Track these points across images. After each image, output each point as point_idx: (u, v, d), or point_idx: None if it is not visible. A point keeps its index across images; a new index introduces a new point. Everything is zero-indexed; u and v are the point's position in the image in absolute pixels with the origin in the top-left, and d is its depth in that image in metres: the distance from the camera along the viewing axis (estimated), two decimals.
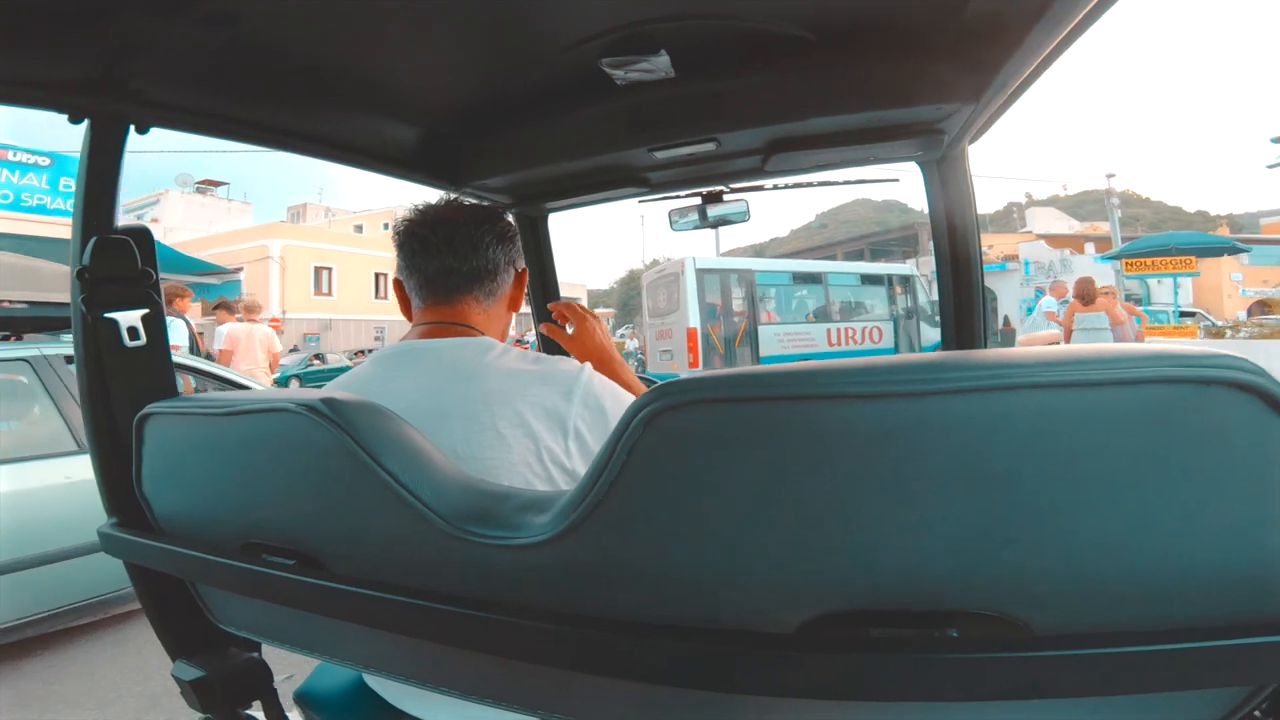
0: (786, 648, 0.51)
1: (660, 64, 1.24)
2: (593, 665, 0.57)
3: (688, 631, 0.54)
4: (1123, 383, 0.42)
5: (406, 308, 1.04)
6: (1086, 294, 8.12)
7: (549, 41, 1.18)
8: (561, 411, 0.87)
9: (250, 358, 6.51)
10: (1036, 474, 0.44)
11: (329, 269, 31.89)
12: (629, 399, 0.92)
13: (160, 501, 0.91)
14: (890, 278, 14.39)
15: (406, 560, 0.68)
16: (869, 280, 14.47)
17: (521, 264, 1.09)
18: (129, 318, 1.00)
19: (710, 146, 1.46)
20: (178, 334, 5.93)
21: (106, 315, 0.98)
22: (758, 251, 44.12)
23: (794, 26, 1.17)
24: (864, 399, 0.45)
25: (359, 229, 37.42)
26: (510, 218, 1.08)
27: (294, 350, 28.25)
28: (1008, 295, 29.16)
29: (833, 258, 41.48)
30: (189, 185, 36.91)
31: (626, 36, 1.16)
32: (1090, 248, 28.35)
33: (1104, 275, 25.46)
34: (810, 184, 1.79)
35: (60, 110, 0.97)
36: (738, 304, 12.34)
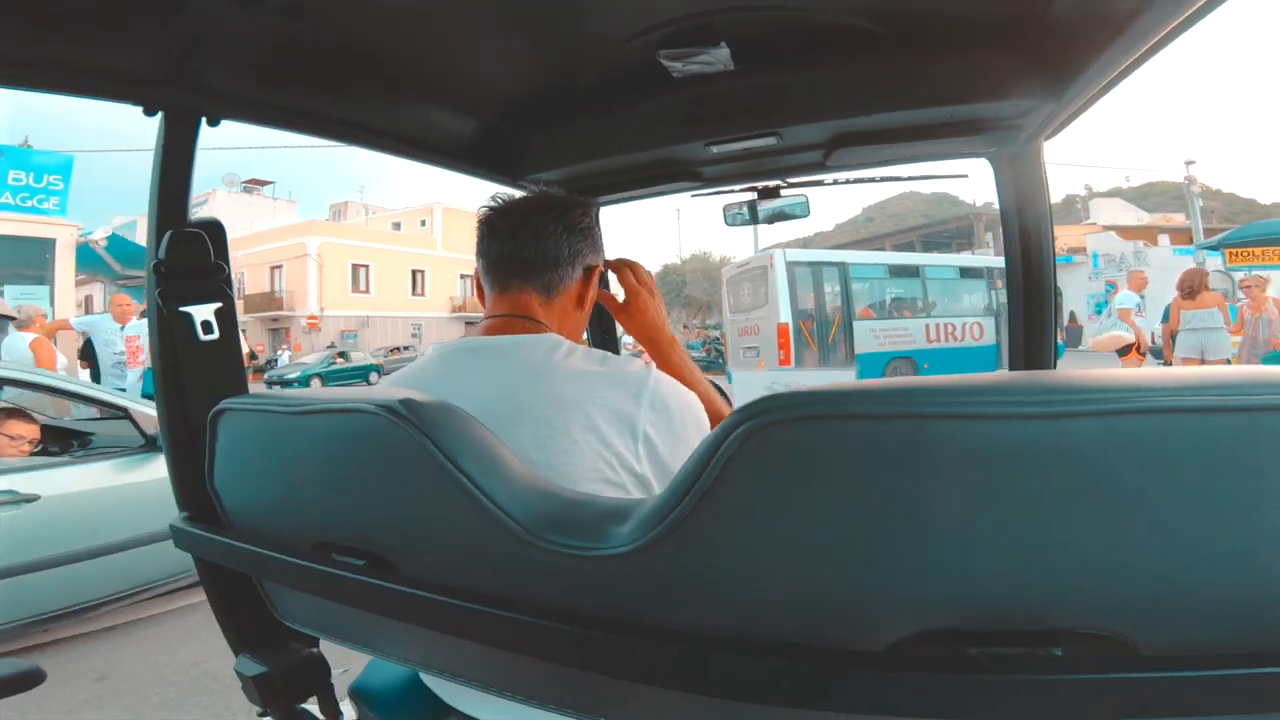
0: (883, 666, 0.50)
1: (720, 56, 1.21)
2: (676, 680, 0.55)
3: (777, 647, 0.52)
4: (1270, 408, 0.41)
5: (483, 297, 1.02)
6: (1191, 287, 6.78)
7: (608, 34, 1.18)
8: (630, 414, 0.84)
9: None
10: (1169, 497, 0.43)
11: (366, 266, 31.80)
12: (695, 400, 0.93)
13: (231, 497, 0.90)
14: (990, 270, 13.38)
15: (480, 565, 0.67)
16: (968, 273, 13.64)
17: (595, 260, 1.03)
18: (202, 311, 1.01)
19: (770, 141, 1.41)
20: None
21: (181, 309, 1.00)
22: (804, 245, 42.50)
23: (863, 19, 1.13)
24: (991, 419, 0.44)
25: (397, 226, 37.32)
26: (588, 212, 1.03)
27: (330, 347, 28.23)
28: (1074, 290, 27.11)
29: (881, 249, 39.87)
30: (236, 185, 37.42)
31: (686, 28, 1.15)
32: (1164, 239, 26.06)
33: (1183, 268, 23.39)
34: (873, 179, 1.77)
35: (136, 102, 0.99)
36: (830, 298, 11.84)
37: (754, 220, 1.76)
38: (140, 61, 0.96)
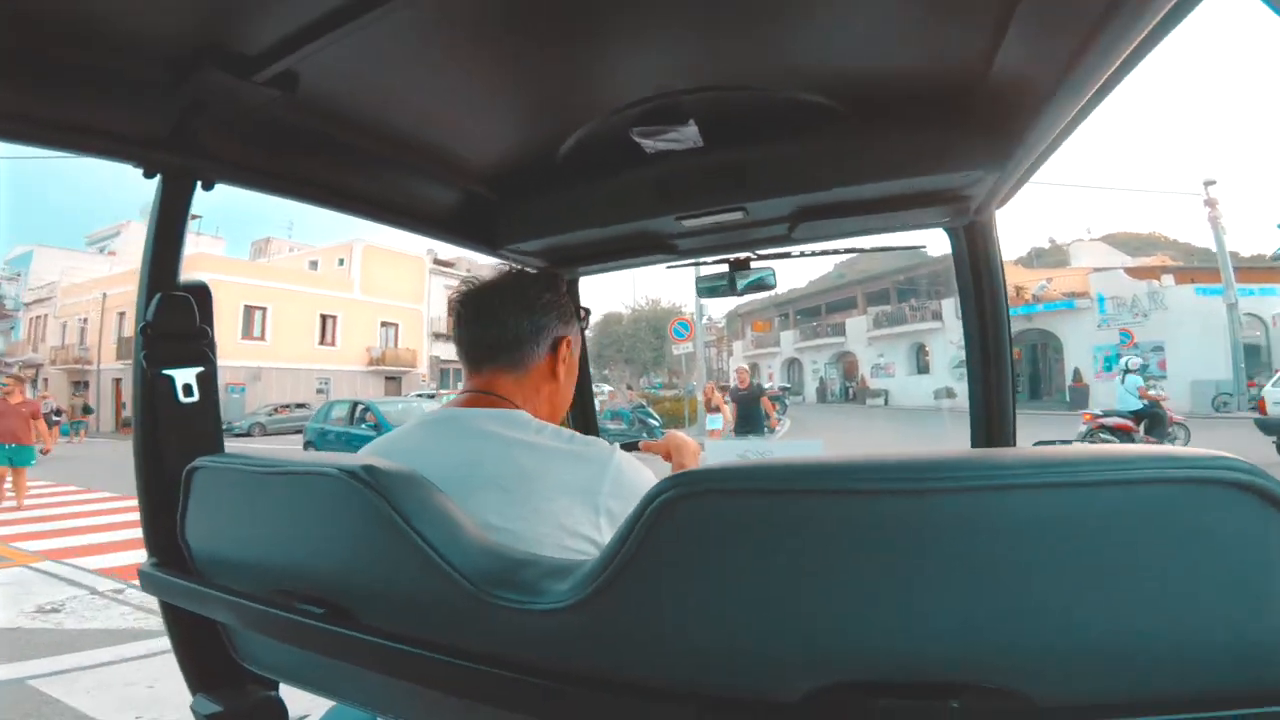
0: (792, 714, 0.54)
1: (689, 134, 1.28)
2: None
3: (694, 699, 0.57)
4: (1116, 483, 0.45)
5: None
6: None
7: (583, 111, 1.24)
8: (593, 489, 0.89)
9: None
10: (1034, 564, 0.47)
11: (262, 309, 27.19)
12: (653, 479, 1.00)
13: (200, 546, 0.95)
14: None
15: (433, 616, 0.72)
16: None
17: (565, 332, 1.07)
18: (184, 375, 1.05)
19: (737, 215, 1.47)
20: None
21: (164, 372, 1.03)
22: (777, 304, 38.97)
23: (819, 96, 1.20)
24: (866, 495, 0.49)
25: (314, 265, 32.79)
26: (552, 287, 1.08)
27: None
28: (1077, 342, 23.32)
29: (853, 300, 36.34)
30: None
31: (657, 107, 1.21)
32: (1169, 279, 22.27)
33: (1212, 310, 19.52)
34: (836, 250, 1.80)
35: (136, 164, 1.04)
36: None
37: (729, 292, 1.81)
38: (143, 125, 1.01)
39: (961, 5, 0.94)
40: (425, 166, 1.40)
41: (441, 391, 28.97)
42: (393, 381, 30.89)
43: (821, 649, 0.53)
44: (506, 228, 1.64)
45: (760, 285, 1.78)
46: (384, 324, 31.53)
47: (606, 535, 0.86)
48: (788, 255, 1.74)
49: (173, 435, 1.04)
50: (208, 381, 1.06)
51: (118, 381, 26.86)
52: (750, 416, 9.62)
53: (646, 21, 1.00)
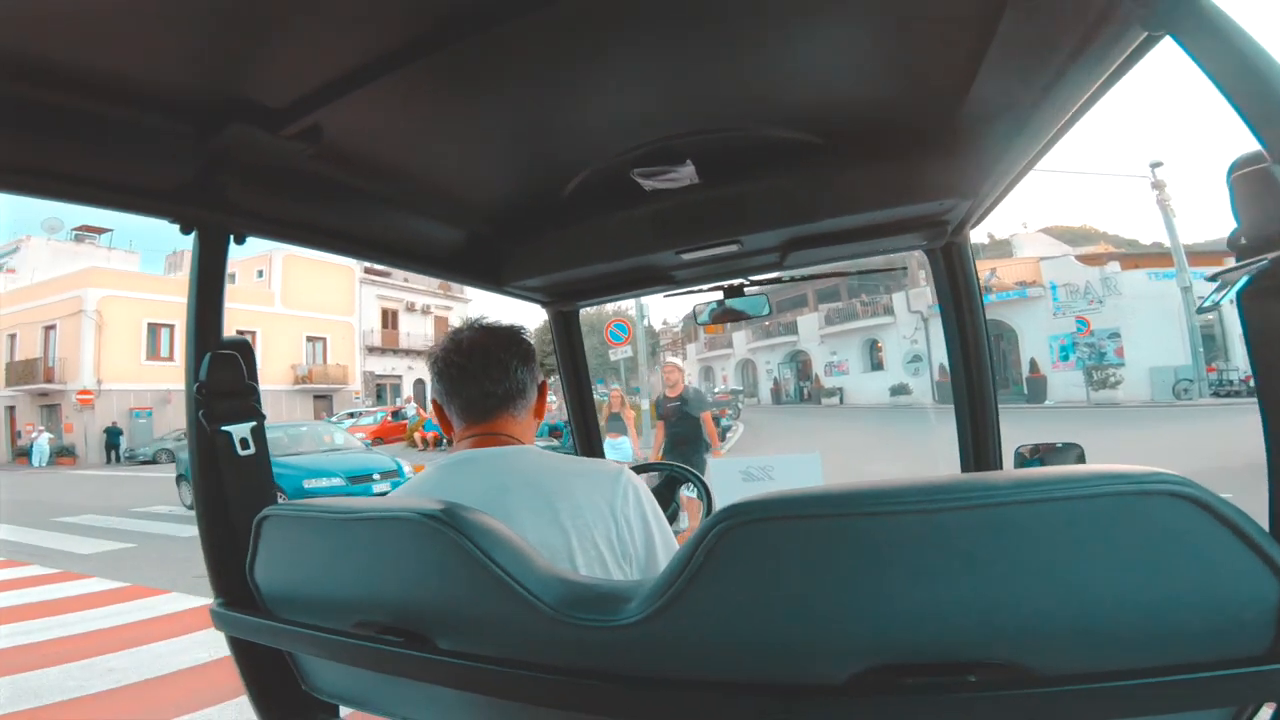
0: (840, 694, 0.66)
1: (686, 173, 1.37)
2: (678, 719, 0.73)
3: (756, 687, 0.68)
4: (1079, 498, 0.56)
5: (448, 427, 1.18)
6: None
7: (586, 156, 1.35)
8: (611, 502, 1.04)
9: None
10: (1025, 564, 0.58)
11: (169, 326, 24.58)
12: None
13: (270, 586, 1.02)
14: None
15: (511, 638, 0.80)
16: None
17: (541, 376, 1.22)
18: (240, 430, 1.10)
19: (733, 248, 1.60)
20: None
21: (223, 429, 1.09)
22: None
23: (804, 133, 1.30)
24: (890, 515, 0.60)
25: (231, 278, 29.88)
26: (529, 338, 1.21)
27: (110, 430, 20.84)
28: (1033, 331, 22.85)
29: (804, 298, 35.76)
30: (60, 231, 29.47)
31: (656, 150, 1.32)
32: (1115, 265, 22.04)
33: (1166, 295, 19.22)
34: (824, 274, 1.97)
35: (174, 220, 1.08)
36: None
37: (724, 319, 1.92)
38: (174, 180, 1.06)
39: (937, 44, 1.03)
40: (436, 210, 1.53)
41: (376, 409, 26.94)
42: (322, 400, 28.76)
43: (859, 640, 0.64)
44: (512, 266, 1.80)
45: (753, 311, 1.89)
46: (310, 339, 29.40)
47: (629, 540, 1.04)
48: (779, 280, 1.98)
49: (234, 487, 1.11)
50: (259, 435, 1.13)
51: (11, 409, 24.15)
52: (685, 439, 6.03)
53: (646, 72, 1.09)
